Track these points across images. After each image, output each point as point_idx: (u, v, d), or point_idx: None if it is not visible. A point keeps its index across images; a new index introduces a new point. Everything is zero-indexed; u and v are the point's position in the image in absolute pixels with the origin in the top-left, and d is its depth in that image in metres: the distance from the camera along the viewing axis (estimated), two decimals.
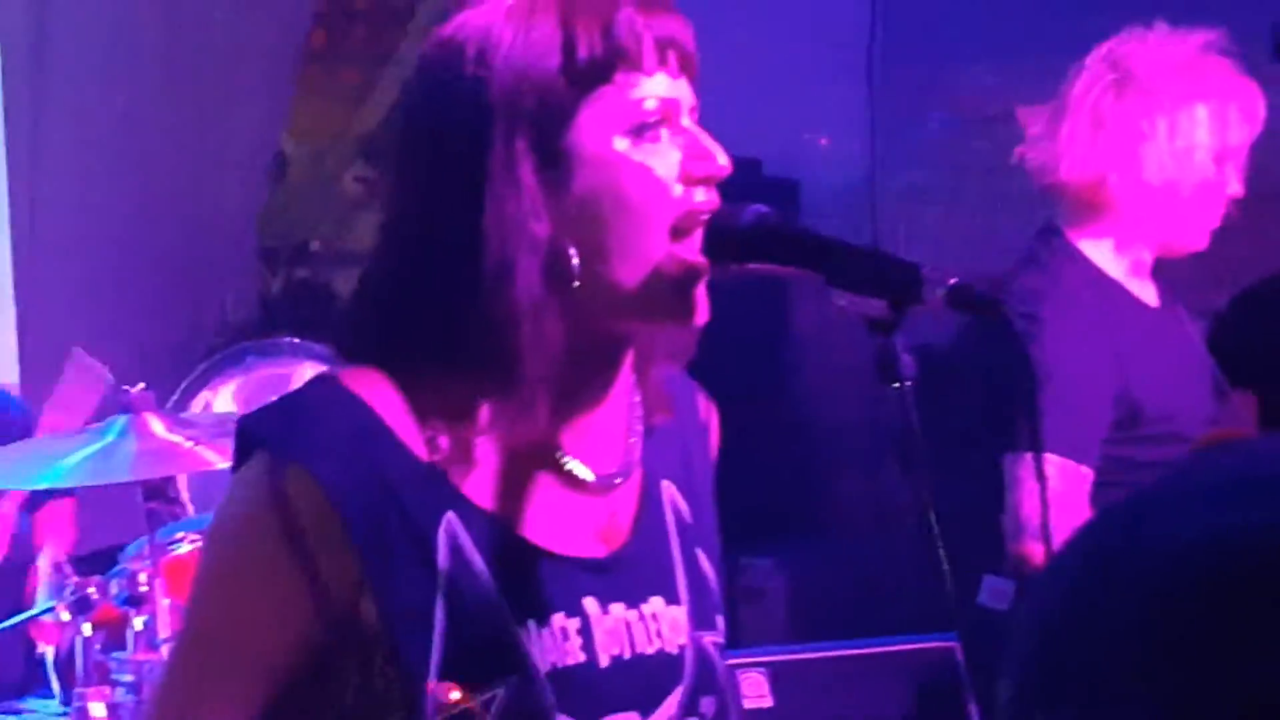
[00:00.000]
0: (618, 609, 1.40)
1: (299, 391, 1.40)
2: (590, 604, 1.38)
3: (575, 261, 1.33)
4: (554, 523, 1.39)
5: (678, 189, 1.34)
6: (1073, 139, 2.59)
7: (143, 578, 2.68)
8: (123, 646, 2.70)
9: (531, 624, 1.35)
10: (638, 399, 1.45)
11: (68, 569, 2.84)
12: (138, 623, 2.67)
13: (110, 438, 2.74)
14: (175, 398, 3.73)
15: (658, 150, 1.34)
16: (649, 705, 1.40)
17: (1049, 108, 2.64)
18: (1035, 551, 2.50)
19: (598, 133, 1.33)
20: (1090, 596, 0.69)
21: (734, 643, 1.51)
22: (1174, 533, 0.67)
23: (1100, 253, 2.66)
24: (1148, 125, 2.57)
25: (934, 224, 4.49)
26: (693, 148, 1.35)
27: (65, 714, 2.80)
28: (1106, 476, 2.54)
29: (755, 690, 2.51)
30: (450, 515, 1.34)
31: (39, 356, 4.49)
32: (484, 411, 1.35)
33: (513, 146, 1.32)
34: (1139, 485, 0.73)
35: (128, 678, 2.66)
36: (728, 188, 1.38)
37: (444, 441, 1.35)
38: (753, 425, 2.05)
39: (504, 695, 1.32)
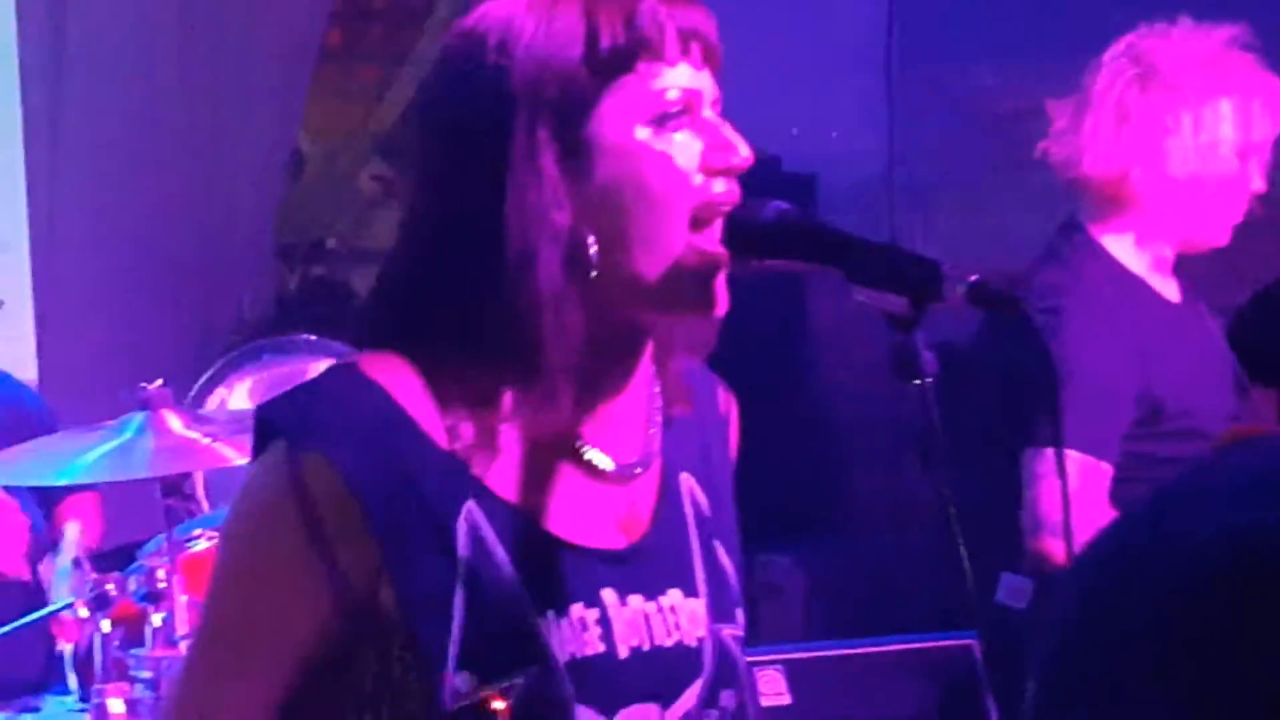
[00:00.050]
0: (636, 600, 1.39)
1: (317, 379, 1.39)
2: (609, 595, 1.38)
3: (594, 250, 1.32)
4: (573, 513, 1.39)
5: (698, 179, 1.34)
6: (1096, 133, 2.59)
7: (161, 574, 2.69)
8: (141, 643, 2.70)
9: (550, 614, 1.35)
10: (657, 390, 1.45)
11: (87, 566, 2.85)
12: (156, 619, 2.67)
13: (128, 434, 2.74)
14: (192, 394, 3.74)
15: (679, 140, 1.34)
16: (668, 697, 1.40)
17: (1072, 102, 2.64)
18: (1054, 548, 2.50)
19: (619, 122, 1.33)
20: (1109, 595, 0.68)
21: (752, 640, 1.51)
22: (1193, 530, 0.67)
23: (1122, 248, 2.65)
24: (1172, 120, 2.56)
25: (951, 221, 4.48)
26: (714, 139, 1.35)
27: (84, 710, 2.81)
28: (1127, 472, 2.54)
29: (773, 688, 2.51)
30: (471, 504, 1.34)
31: (57, 354, 4.51)
32: (507, 399, 1.35)
33: (535, 136, 1.32)
34: (1159, 481, 0.73)
35: (146, 674, 2.66)
36: (745, 184, 1.38)
37: (465, 430, 1.34)
38: (770, 422, 2.04)
39: (523, 685, 1.32)
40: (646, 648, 1.39)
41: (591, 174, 1.33)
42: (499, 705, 1.31)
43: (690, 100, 1.35)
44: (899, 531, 4.15)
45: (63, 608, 3.01)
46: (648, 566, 1.41)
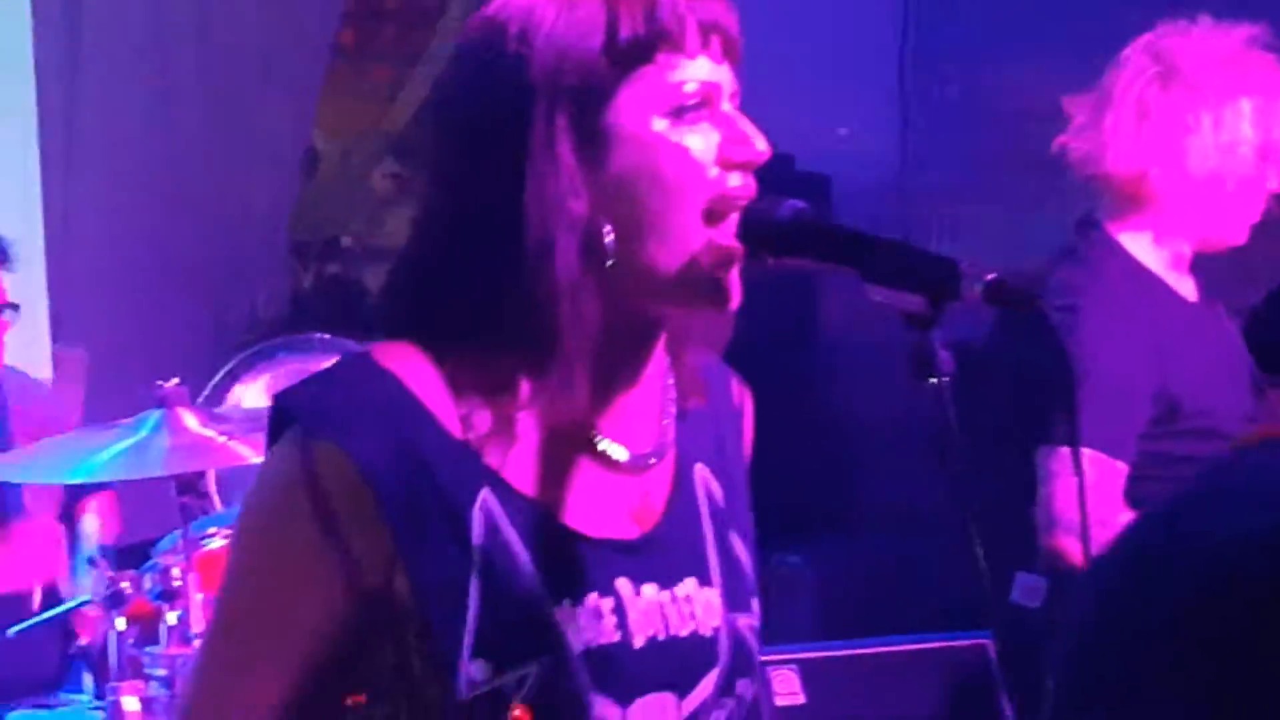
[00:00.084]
0: (650, 590, 1.39)
1: (331, 368, 1.39)
2: (623, 584, 1.38)
3: (610, 240, 1.33)
4: (587, 503, 1.39)
5: (714, 172, 1.34)
6: (1117, 131, 2.59)
7: (176, 572, 2.69)
8: (156, 641, 2.71)
9: (565, 603, 1.35)
10: (671, 382, 1.45)
11: (103, 564, 2.85)
12: (171, 617, 2.68)
13: (144, 433, 2.75)
14: (207, 393, 3.75)
15: (696, 132, 1.34)
16: (684, 686, 1.40)
17: (1091, 98, 2.64)
18: (1069, 546, 2.49)
19: (637, 112, 1.33)
20: (1128, 596, 0.68)
21: (765, 638, 1.50)
22: (1210, 531, 0.67)
23: (1140, 246, 2.65)
24: (1192, 119, 2.56)
25: (964, 220, 4.47)
26: (731, 132, 1.35)
27: (99, 708, 2.81)
28: (1143, 471, 2.53)
29: (787, 687, 2.51)
30: (486, 492, 1.34)
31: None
32: (522, 388, 1.36)
33: (553, 124, 1.32)
34: (1175, 480, 0.73)
35: (161, 672, 2.66)
36: (759, 182, 1.37)
37: (479, 419, 1.35)
38: (783, 423, 2.04)
39: (538, 673, 1.32)
40: (662, 637, 1.39)
41: (608, 163, 1.33)
42: (519, 715, 1.31)
43: (709, 93, 1.35)
44: (911, 531, 4.14)
45: (78, 605, 3.02)
46: (661, 556, 1.41)
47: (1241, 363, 2.73)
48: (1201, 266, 2.71)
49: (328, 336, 3.78)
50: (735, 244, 1.35)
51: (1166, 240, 2.65)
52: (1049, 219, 3.09)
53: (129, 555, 3.13)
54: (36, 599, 3.38)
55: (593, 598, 1.36)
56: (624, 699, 1.36)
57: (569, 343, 1.33)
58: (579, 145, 1.32)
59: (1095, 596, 0.71)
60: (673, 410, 1.45)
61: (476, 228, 1.34)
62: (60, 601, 3.23)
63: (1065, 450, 2.49)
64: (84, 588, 3.13)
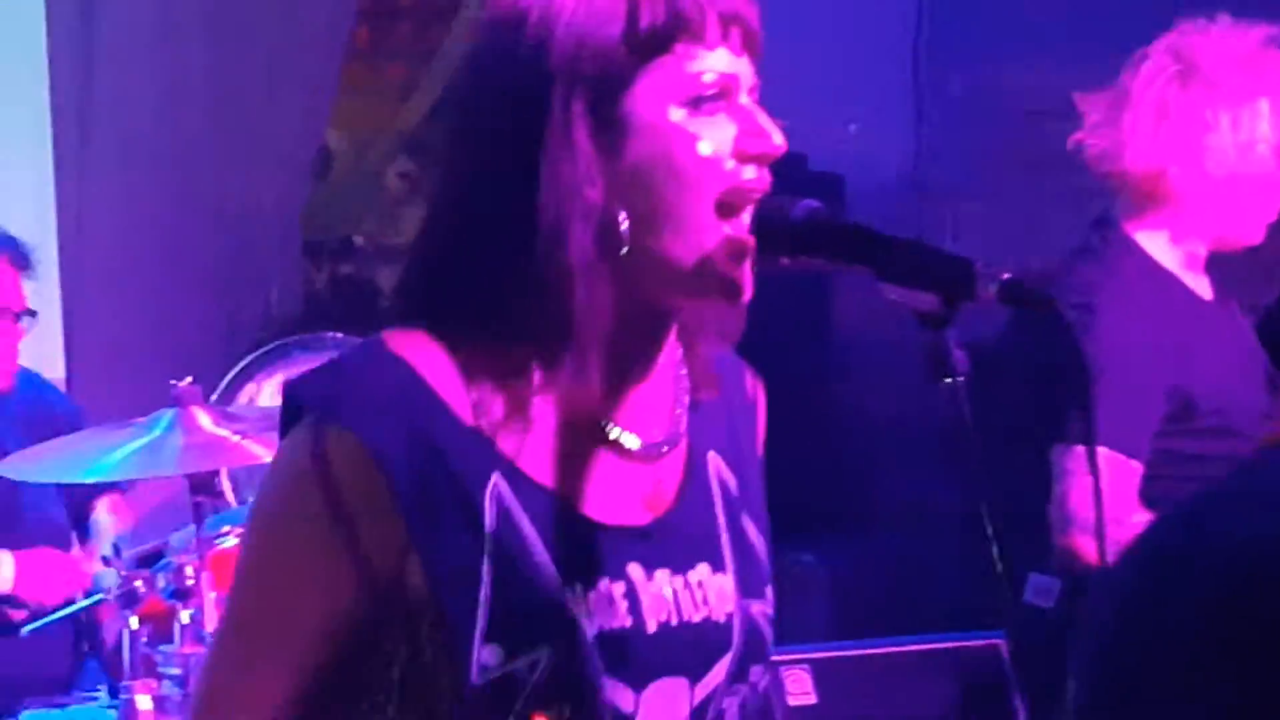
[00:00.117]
0: (663, 575, 1.39)
1: (343, 355, 1.40)
2: (635, 570, 1.38)
3: (625, 227, 1.33)
4: (599, 490, 1.38)
5: (729, 164, 1.34)
6: (1136, 129, 2.59)
7: (189, 571, 2.70)
8: (169, 640, 2.71)
9: (578, 587, 1.35)
10: (684, 373, 1.45)
11: (116, 562, 2.86)
12: (184, 616, 2.68)
13: (157, 432, 2.75)
14: (220, 391, 3.75)
15: (712, 123, 1.33)
16: (697, 672, 1.40)
17: (1108, 96, 2.64)
18: (1084, 545, 2.49)
19: (654, 102, 1.33)
20: (1150, 596, 0.68)
21: (777, 637, 1.50)
22: (1231, 531, 0.67)
23: (1156, 244, 2.65)
24: (1211, 117, 2.57)
25: (978, 219, 4.47)
26: (748, 125, 1.34)
27: (112, 707, 2.82)
28: (1158, 469, 2.53)
29: (799, 687, 2.51)
30: (498, 478, 1.34)
31: (85, 352, 4.53)
32: (535, 375, 1.35)
33: (570, 111, 1.32)
34: (1190, 478, 0.73)
35: (174, 670, 2.67)
36: (772, 182, 1.37)
37: (491, 406, 1.34)
38: (796, 421, 2.04)
39: (550, 658, 1.32)
40: (675, 622, 1.39)
41: (624, 152, 1.33)
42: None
43: (727, 84, 1.34)
44: (924, 531, 4.14)
45: (93, 603, 3.02)
46: (674, 541, 1.41)
47: (1256, 361, 2.73)
48: (1216, 264, 2.71)
49: (341, 336, 3.79)
50: (748, 237, 1.35)
51: (1183, 239, 2.65)
52: (1063, 217, 3.09)
53: (142, 555, 3.13)
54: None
55: (605, 583, 1.36)
56: (637, 683, 1.36)
57: (582, 330, 1.33)
58: (596, 133, 1.32)
59: (1115, 597, 0.70)
60: (685, 401, 1.45)
61: (491, 213, 1.34)
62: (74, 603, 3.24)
63: (1080, 449, 2.48)
64: (102, 582, 3.13)
